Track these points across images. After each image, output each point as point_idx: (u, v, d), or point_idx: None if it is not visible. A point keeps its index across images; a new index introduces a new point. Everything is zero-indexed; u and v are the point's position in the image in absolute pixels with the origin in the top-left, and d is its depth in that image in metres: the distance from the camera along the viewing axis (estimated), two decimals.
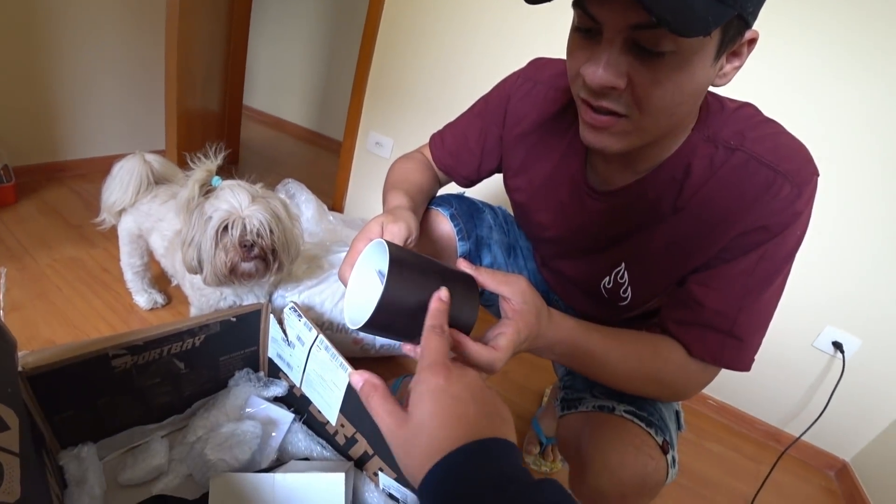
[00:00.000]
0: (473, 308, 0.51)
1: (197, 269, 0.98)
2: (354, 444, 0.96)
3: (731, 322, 0.63)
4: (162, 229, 1.18)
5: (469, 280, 0.52)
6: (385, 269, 0.46)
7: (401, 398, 0.42)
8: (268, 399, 1.05)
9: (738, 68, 0.54)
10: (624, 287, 0.74)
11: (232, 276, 0.98)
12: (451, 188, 0.96)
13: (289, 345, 1.00)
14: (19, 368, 0.71)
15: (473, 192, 1.01)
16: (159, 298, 1.42)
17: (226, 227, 0.95)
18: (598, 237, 0.74)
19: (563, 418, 0.81)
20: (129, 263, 1.33)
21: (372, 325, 0.46)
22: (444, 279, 0.49)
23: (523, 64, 0.85)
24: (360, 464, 0.97)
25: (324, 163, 3.11)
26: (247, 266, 0.98)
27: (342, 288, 0.57)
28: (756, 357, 0.66)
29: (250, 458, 0.93)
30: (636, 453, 0.66)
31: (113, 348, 0.82)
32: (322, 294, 1.26)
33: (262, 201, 0.97)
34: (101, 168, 1.32)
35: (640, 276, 0.72)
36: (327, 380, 0.93)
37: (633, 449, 0.66)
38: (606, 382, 0.67)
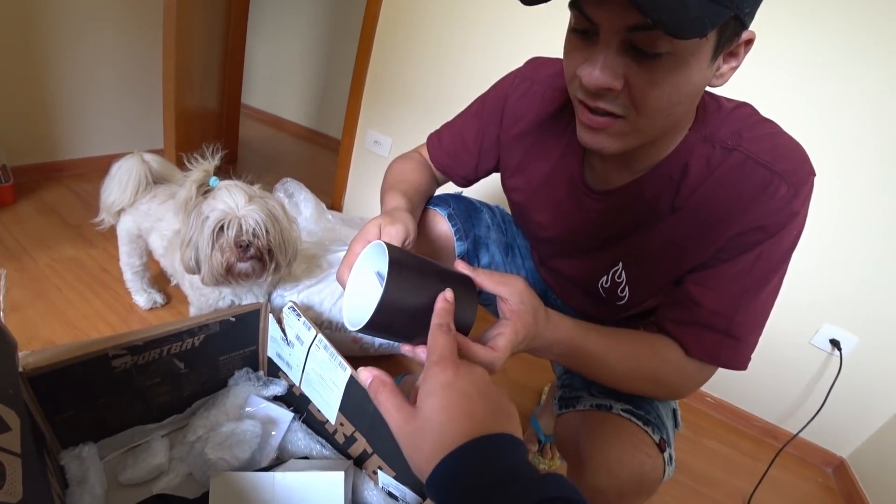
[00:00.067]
0: (472, 309, 0.51)
1: (195, 269, 0.99)
2: (354, 443, 0.96)
3: (728, 322, 0.63)
4: (161, 229, 1.19)
5: (467, 281, 0.53)
6: (383, 270, 0.47)
7: (415, 399, 0.43)
8: (267, 398, 1.05)
9: (734, 69, 0.55)
10: (622, 286, 0.74)
11: (229, 276, 0.99)
12: (449, 188, 0.96)
13: (288, 344, 1.00)
14: (20, 369, 0.71)
15: (471, 192, 1.01)
16: (158, 298, 1.42)
17: (222, 228, 0.95)
18: (596, 237, 0.75)
19: (561, 417, 0.81)
20: (129, 263, 1.33)
21: (371, 327, 0.47)
22: (442, 280, 0.49)
23: (521, 62, 0.85)
24: (359, 462, 0.98)
25: (322, 161, 3.10)
26: (243, 266, 0.98)
27: (341, 287, 0.57)
28: (754, 355, 0.66)
29: (250, 456, 0.94)
30: (633, 451, 0.66)
31: (113, 348, 0.82)
32: (321, 293, 1.27)
33: (258, 201, 0.97)
34: (100, 167, 1.32)
35: (638, 276, 0.72)
36: (326, 379, 0.94)
37: (631, 447, 0.67)
38: (604, 382, 0.67)
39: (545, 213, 0.80)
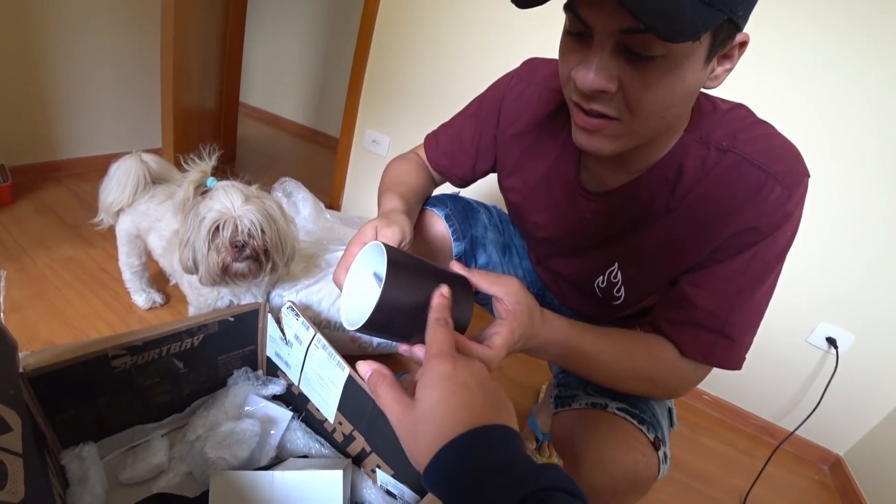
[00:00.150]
0: (468, 308, 0.52)
1: (193, 269, 0.99)
2: (352, 442, 0.97)
3: (723, 322, 0.64)
4: (160, 229, 1.19)
5: (463, 281, 0.53)
6: (381, 271, 0.47)
7: (413, 392, 0.43)
8: (266, 397, 1.06)
9: (729, 71, 0.55)
10: (617, 286, 0.75)
11: (225, 276, 0.99)
12: (446, 188, 0.96)
13: (287, 343, 1.01)
14: (20, 370, 0.72)
15: (468, 192, 1.01)
16: (158, 298, 1.42)
17: (218, 228, 0.95)
18: (592, 237, 0.75)
19: (557, 415, 0.82)
20: (128, 263, 1.34)
21: (369, 326, 0.47)
22: (439, 280, 0.50)
23: (518, 62, 0.85)
24: (357, 461, 0.98)
25: (321, 160, 3.11)
26: (239, 266, 0.99)
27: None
28: (750, 353, 0.67)
29: (249, 455, 0.94)
30: (628, 450, 0.67)
31: (112, 349, 0.83)
32: (319, 293, 1.27)
33: (255, 201, 0.98)
34: (98, 167, 1.32)
35: (634, 276, 0.73)
36: (325, 378, 0.94)
37: (625, 445, 0.67)
38: (600, 381, 0.68)
39: (542, 213, 0.81)
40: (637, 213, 0.68)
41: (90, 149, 2.10)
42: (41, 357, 0.75)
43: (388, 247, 0.49)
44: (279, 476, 0.88)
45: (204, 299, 1.13)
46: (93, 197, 1.28)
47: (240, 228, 0.95)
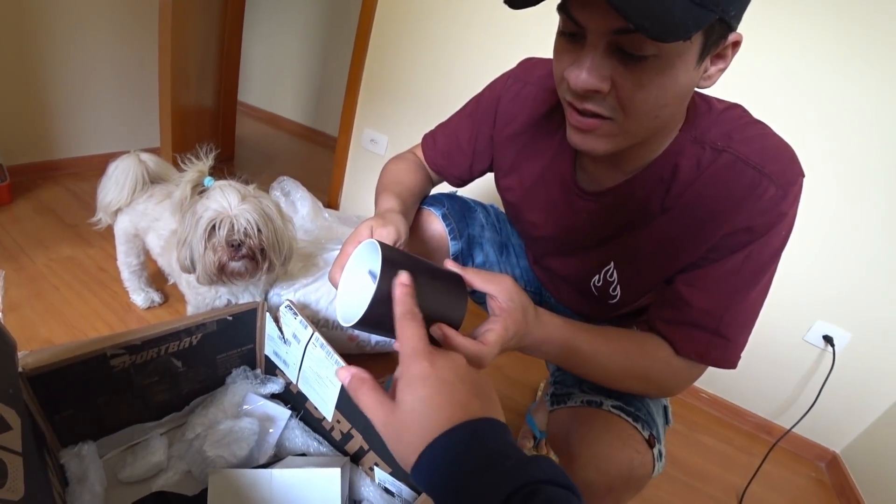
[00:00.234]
0: (461, 305, 0.53)
1: (190, 268, 1.00)
2: (350, 440, 0.97)
3: (718, 321, 0.64)
4: (158, 228, 1.19)
5: (457, 278, 0.54)
6: (375, 269, 0.48)
7: (394, 393, 0.43)
8: (265, 396, 1.06)
9: (722, 70, 0.55)
10: (613, 285, 0.75)
11: (222, 275, 0.99)
12: (444, 187, 0.97)
13: (285, 342, 1.01)
14: (19, 369, 0.72)
15: (466, 191, 1.02)
16: (156, 297, 1.43)
17: (214, 227, 0.96)
18: (588, 236, 0.76)
19: (552, 413, 0.82)
20: (126, 263, 1.34)
21: (364, 323, 0.48)
22: (433, 278, 0.51)
23: (516, 61, 0.86)
24: (355, 459, 0.99)
25: (319, 159, 3.11)
26: (235, 265, 0.99)
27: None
28: (747, 351, 0.67)
29: (248, 454, 0.95)
30: (623, 447, 0.67)
31: (111, 348, 0.83)
32: (317, 292, 1.28)
33: (251, 201, 0.98)
34: (96, 166, 1.32)
35: (629, 275, 0.73)
36: (323, 376, 0.94)
37: (620, 443, 0.68)
38: (595, 380, 0.68)
39: (538, 212, 0.81)
40: (632, 213, 0.68)
41: (88, 148, 2.10)
42: (40, 356, 0.75)
43: (382, 245, 0.50)
44: (278, 474, 0.88)
45: (202, 298, 1.13)
46: (91, 196, 1.28)
47: (236, 228, 0.96)
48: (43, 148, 1.97)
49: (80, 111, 2.02)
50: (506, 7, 0.49)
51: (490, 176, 0.92)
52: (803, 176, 0.61)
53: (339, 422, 0.97)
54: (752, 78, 1.35)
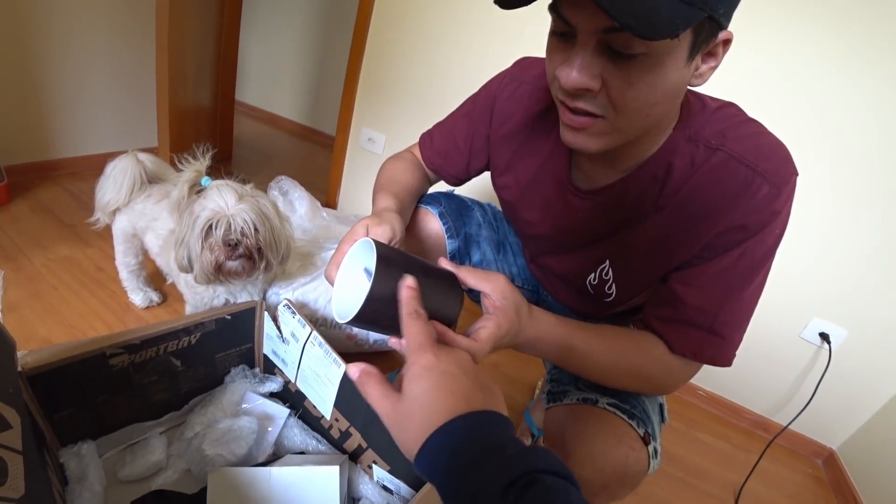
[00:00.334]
0: (456, 303, 0.53)
1: (188, 267, 1.00)
2: (349, 438, 0.98)
3: (713, 319, 0.64)
4: (157, 228, 1.19)
5: (451, 276, 0.55)
6: (371, 266, 0.49)
7: (400, 386, 0.44)
8: (263, 395, 1.07)
9: (714, 68, 0.55)
10: (609, 284, 0.75)
11: (219, 274, 0.99)
12: (441, 186, 0.97)
13: (283, 341, 1.01)
14: (19, 369, 0.72)
15: (463, 190, 1.02)
16: (155, 296, 1.43)
17: (211, 227, 0.96)
18: (583, 234, 0.76)
19: (549, 410, 0.83)
20: (124, 262, 1.34)
21: (359, 319, 0.49)
22: (427, 275, 0.51)
23: (512, 59, 0.86)
24: (354, 457, 0.99)
25: (317, 158, 3.11)
26: (232, 265, 0.99)
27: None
28: (744, 348, 0.67)
29: (247, 452, 0.95)
30: (618, 444, 0.68)
31: (110, 347, 0.83)
32: (315, 291, 1.28)
33: (249, 200, 0.98)
34: (94, 166, 1.32)
35: (624, 273, 0.73)
36: (321, 375, 0.95)
37: (615, 440, 0.68)
38: (589, 377, 0.69)
39: (534, 211, 0.81)
40: (627, 211, 0.69)
41: (86, 148, 2.10)
42: (39, 356, 0.75)
43: (377, 243, 0.51)
44: (276, 472, 0.89)
45: (200, 298, 1.13)
46: (89, 196, 1.28)
47: (233, 227, 0.96)
48: (41, 148, 1.96)
49: (78, 111, 2.01)
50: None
51: (487, 175, 0.92)
52: (797, 174, 0.61)
53: (337, 420, 0.98)
54: (751, 77, 1.36)
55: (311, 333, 0.93)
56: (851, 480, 1.50)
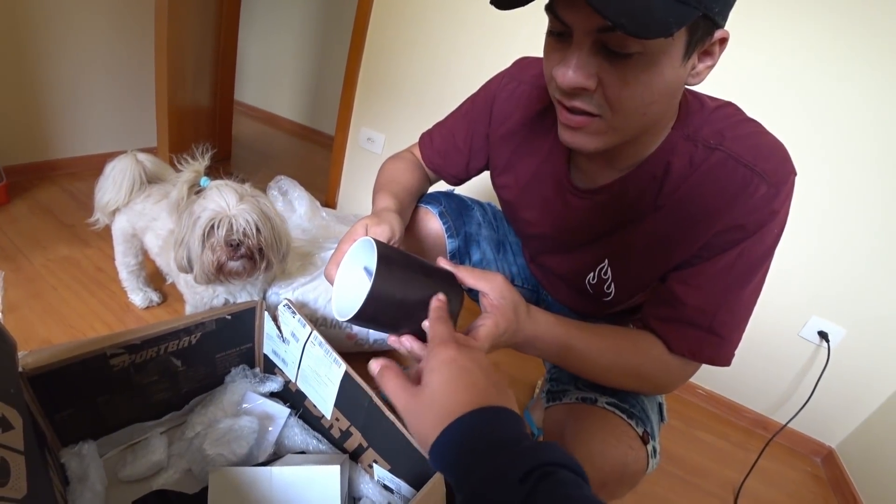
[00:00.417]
0: (455, 302, 0.54)
1: (188, 268, 1.00)
2: (349, 438, 0.98)
3: (711, 319, 0.64)
4: (156, 228, 1.19)
5: (450, 276, 0.55)
6: (371, 265, 0.49)
7: (417, 379, 0.45)
8: (264, 394, 1.07)
9: (710, 67, 0.56)
10: (608, 283, 0.76)
11: (220, 274, 0.99)
12: (441, 186, 0.97)
13: (283, 341, 1.02)
14: (19, 369, 0.72)
15: (463, 189, 1.02)
16: (154, 297, 1.43)
17: (213, 227, 0.96)
18: (582, 234, 0.76)
19: (548, 409, 0.83)
20: (124, 262, 1.34)
21: (359, 317, 0.49)
22: (427, 275, 0.52)
23: (512, 59, 0.86)
24: (354, 456, 0.99)
25: (316, 158, 3.11)
26: (234, 265, 0.99)
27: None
28: (743, 347, 0.67)
29: (248, 452, 0.95)
30: (616, 443, 0.68)
31: (111, 348, 0.83)
32: (315, 290, 1.28)
33: (250, 200, 0.98)
34: (93, 166, 1.32)
35: (623, 273, 0.74)
36: (322, 375, 0.95)
37: (614, 439, 0.68)
38: (588, 376, 0.69)
39: (533, 210, 0.82)
40: (625, 210, 0.69)
41: (85, 148, 2.09)
42: (40, 356, 0.75)
43: (378, 242, 0.51)
44: (277, 472, 0.89)
45: (200, 298, 1.13)
46: (88, 196, 1.28)
47: (235, 227, 0.96)
48: (39, 148, 1.96)
49: (77, 111, 2.01)
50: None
51: (487, 174, 0.93)
52: (795, 174, 0.61)
53: (337, 419, 0.98)
54: (749, 76, 1.36)
55: (311, 333, 0.93)
56: (850, 478, 1.51)
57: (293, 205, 1.61)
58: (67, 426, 0.85)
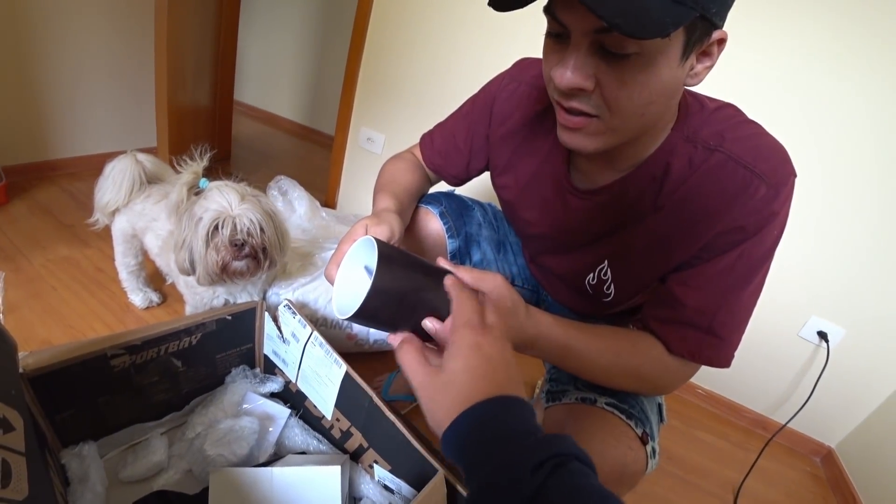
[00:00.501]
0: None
1: (189, 270, 1.00)
2: (350, 438, 0.98)
3: (711, 320, 0.64)
4: (156, 229, 1.19)
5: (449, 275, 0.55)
6: (371, 264, 0.50)
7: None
8: (264, 395, 1.07)
9: (709, 68, 0.56)
10: (607, 283, 0.76)
11: (224, 274, 0.99)
12: (442, 186, 0.97)
13: (284, 342, 1.02)
14: (20, 370, 0.72)
15: (464, 190, 1.02)
16: (154, 297, 1.43)
17: (216, 227, 0.96)
18: (582, 234, 0.76)
19: (548, 410, 0.83)
20: (124, 263, 1.34)
21: (359, 315, 0.49)
22: (426, 274, 0.52)
23: (512, 59, 0.86)
24: (355, 457, 0.99)
25: (316, 158, 3.11)
26: (238, 265, 0.99)
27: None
28: (743, 347, 0.67)
29: (248, 452, 0.95)
30: (616, 444, 0.68)
31: (111, 348, 0.83)
32: (315, 291, 1.28)
33: (251, 200, 0.98)
34: (93, 167, 1.32)
35: (623, 274, 0.74)
36: (322, 375, 0.95)
37: (613, 440, 0.68)
38: (587, 377, 0.69)
39: (532, 210, 0.82)
40: (625, 211, 0.69)
41: (84, 148, 2.09)
42: (40, 357, 0.75)
43: (378, 241, 0.51)
44: (278, 472, 0.89)
45: (200, 298, 1.13)
46: (87, 197, 1.28)
47: (238, 227, 0.96)
48: (39, 148, 1.96)
49: (77, 111, 2.01)
50: None
51: (487, 175, 0.93)
52: (795, 175, 0.61)
53: (338, 420, 0.98)
54: (748, 77, 1.36)
55: (311, 333, 0.93)
56: (850, 478, 1.51)
57: (293, 205, 1.61)
58: (68, 427, 0.85)
